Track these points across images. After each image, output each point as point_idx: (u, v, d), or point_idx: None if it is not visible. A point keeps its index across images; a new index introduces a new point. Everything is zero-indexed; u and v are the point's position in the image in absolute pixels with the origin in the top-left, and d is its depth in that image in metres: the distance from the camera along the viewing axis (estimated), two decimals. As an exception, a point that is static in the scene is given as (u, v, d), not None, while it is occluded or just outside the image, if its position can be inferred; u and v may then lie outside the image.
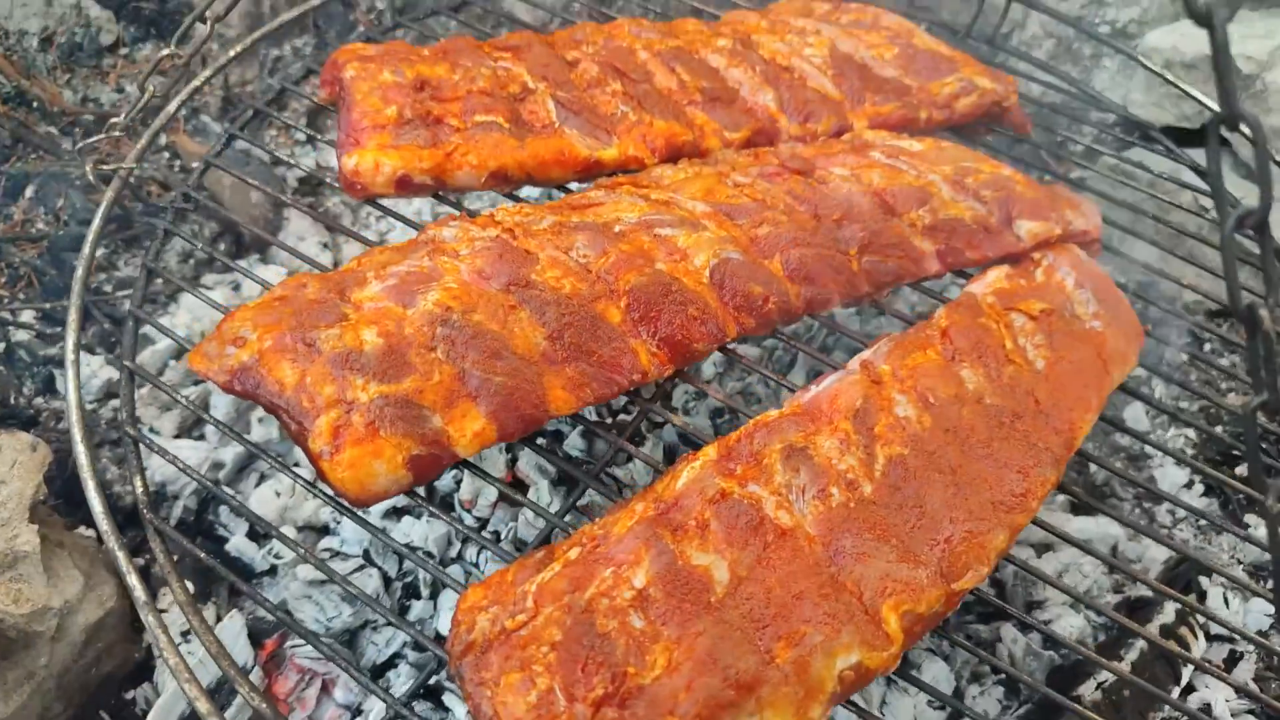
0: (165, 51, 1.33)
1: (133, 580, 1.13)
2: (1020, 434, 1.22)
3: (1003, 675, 1.50)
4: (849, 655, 1.00)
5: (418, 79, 1.54)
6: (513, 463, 1.67)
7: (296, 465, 1.56)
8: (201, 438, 1.69)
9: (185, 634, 1.46)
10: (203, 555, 1.21)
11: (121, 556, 1.15)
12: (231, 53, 1.52)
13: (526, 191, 1.98)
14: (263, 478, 1.64)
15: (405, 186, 1.45)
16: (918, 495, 1.13)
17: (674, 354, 1.28)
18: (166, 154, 1.97)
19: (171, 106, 1.52)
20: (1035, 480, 1.17)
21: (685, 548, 1.06)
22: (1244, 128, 0.75)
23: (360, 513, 1.19)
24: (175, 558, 1.20)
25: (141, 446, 1.27)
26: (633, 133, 1.55)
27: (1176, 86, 1.91)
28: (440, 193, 1.49)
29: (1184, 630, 1.55)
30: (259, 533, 1.58)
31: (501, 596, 1.03)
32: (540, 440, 1.73)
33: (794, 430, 1.18)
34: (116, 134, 1.34)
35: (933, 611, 1.05)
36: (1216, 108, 1.82)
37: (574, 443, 1.72)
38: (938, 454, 1.18)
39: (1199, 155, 1.83)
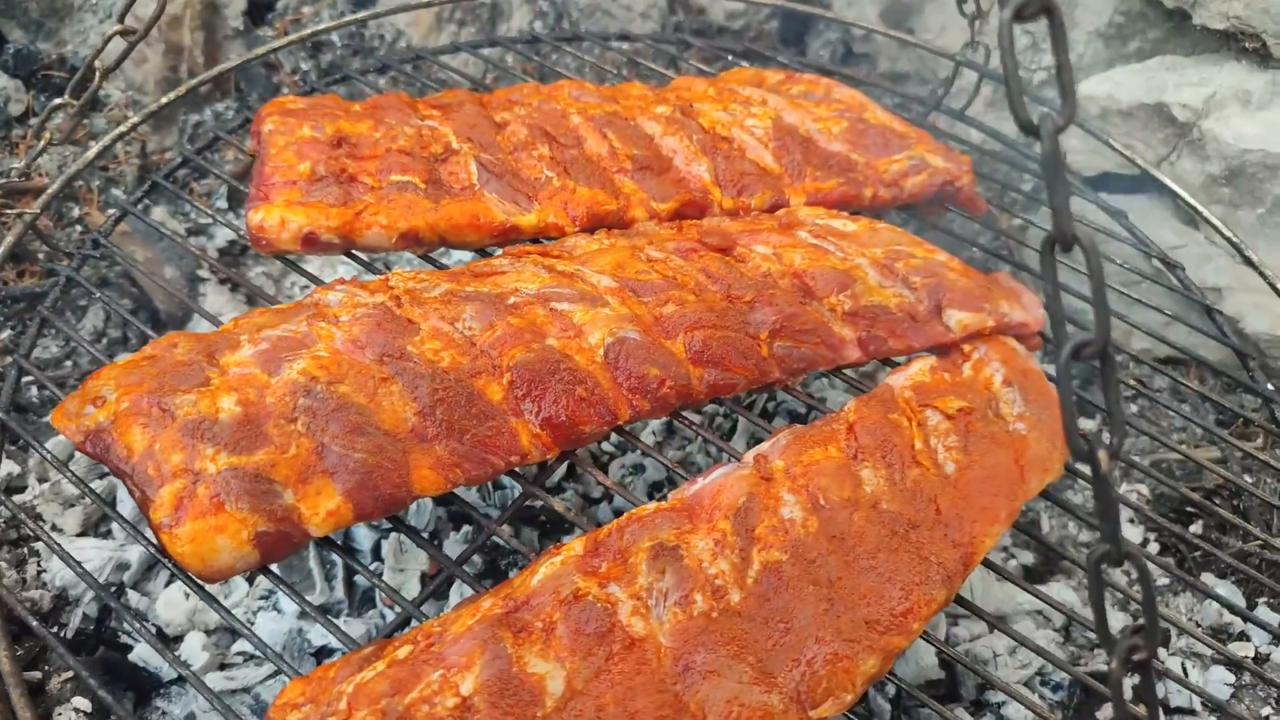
0: (58, 101, 1.30)
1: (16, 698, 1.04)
2: (913, 545, 1.14)
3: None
4: (678, 788, 0.92)
5: (337, 135, 1.50)
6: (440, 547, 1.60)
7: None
8: (108, 534, 1.61)
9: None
10: (87, 676, 1.12)
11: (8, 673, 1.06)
12: (147, 110, 1.50)
13: (458, 255, 1.94)
14: (172, 577, 1.57)
15: (312, 244, 1.41)
16: (787, 609, 1.05)
17: (558, 435, 1.21)
18: (78, 227, 1.87)
19: (90, 154, 1.50)
20: (919, 599, 1.09)
21: (525, 653, 0.99)
22: (1079, 250, 0.68)
23: (277, 610, 1.13)
24: (69, 675, 1.13)
25: (41, 546, 1.21)
26: (555, 199, 1.50)
27: (1098, 139, 1.86)
28: (354, 252, 1.45)
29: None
30: (167, 637, 1.51)
31: (318, 695, 0.96)
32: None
33: (668, 527, 1.11)
34: (14, 179, 1.31)
35: (783, 741, 0.97)
36: (1140, 161, 1.79)
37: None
38: (818, 563, 1.10)
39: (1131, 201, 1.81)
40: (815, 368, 1.36)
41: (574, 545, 1.10)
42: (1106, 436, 1.21)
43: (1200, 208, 1.73)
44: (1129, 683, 0.73)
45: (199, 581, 1.10)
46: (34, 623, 1.13)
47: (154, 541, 1.10)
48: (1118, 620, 1.58)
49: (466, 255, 1.86)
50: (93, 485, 1.60)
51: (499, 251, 1.48)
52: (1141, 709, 0.80)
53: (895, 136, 1.70)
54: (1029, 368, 1.40)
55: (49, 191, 1.42)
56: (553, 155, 1.55)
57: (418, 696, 0.94)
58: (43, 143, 1.32)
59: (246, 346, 1.20)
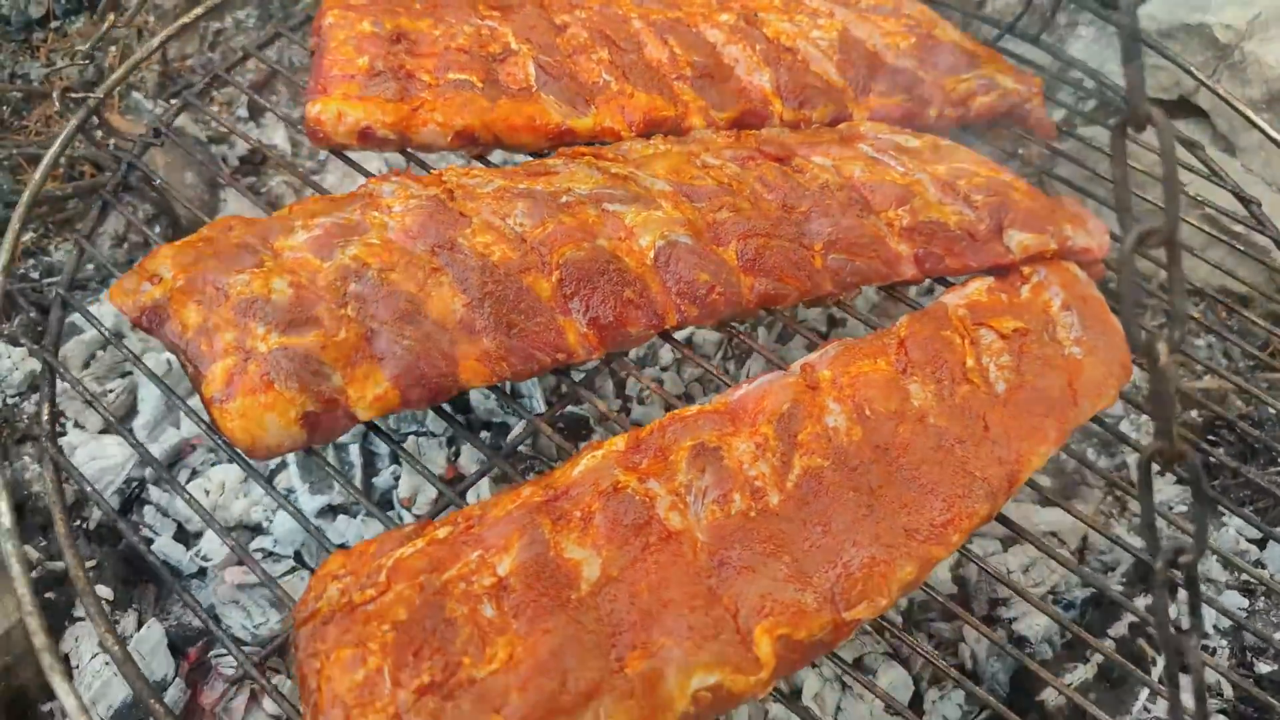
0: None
1: (23, 591, 1.07)
2: (958, 460, 1.12)
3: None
4: (708, 675, 0.92)
5: (396, 31, 1.49)
6: (455, 456, 1.62)
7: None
8: (130, 430, 1.64)
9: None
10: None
11: (17, 569, 1.09)
12: (196, 11, 1.49)
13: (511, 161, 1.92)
14: (193, 474, 1.60)
15: (367, 139, 1.41)
16: (825, 512, 1.05)
17: (604, 336, 1.21)
18: (99, 132, 1.85)
19: (155, 41, 1.50)
20: (960, 512, 1.07)
21: (562, 539, 1.00)
22: (1153, 126, 0.65)
23: (294, 509, 1.16)
24: (93, 562, 1.15)
25: (63, 443, 1.24)
26: (612, 104, 1.48)
27: (1162, 55, 1.77)
28: (408, 150, 1.45)
29: (1143, 641, 1.43)
30: (187, 533, 1.54)
31: (358, 567, 0.98)
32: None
33: (709, 428, 1.10)
34: (83, 61, 1.33)
35: (815, 639, 0.97)
36: (1196, 74, 1.70)
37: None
38: (860, 471, 1.09)
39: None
40: (869, 282, 1.33)
41: (615, 441, 1.10)
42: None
43: (1272, 131, 1.65)
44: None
45: (246, 459, 1.12)
46: (59, 516, 1.14)
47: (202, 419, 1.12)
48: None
49: (520, 160, 1.85)
50: (112, 385, 1.64)
51: (553, 154, 1.47)
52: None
53: (964, 55, 1.64)
54: (1090, 294, 1.36)
55: (114, 77, 1.44)
56: (611, 59, 1.52)
57: (455, 574, 0.96)
58: (106, 25, 1.32)
59: (300, 232, 1.21)
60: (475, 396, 1.67)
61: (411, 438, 1.62)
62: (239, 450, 1.11)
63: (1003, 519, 1.16)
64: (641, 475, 1.06)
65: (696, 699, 0.92)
